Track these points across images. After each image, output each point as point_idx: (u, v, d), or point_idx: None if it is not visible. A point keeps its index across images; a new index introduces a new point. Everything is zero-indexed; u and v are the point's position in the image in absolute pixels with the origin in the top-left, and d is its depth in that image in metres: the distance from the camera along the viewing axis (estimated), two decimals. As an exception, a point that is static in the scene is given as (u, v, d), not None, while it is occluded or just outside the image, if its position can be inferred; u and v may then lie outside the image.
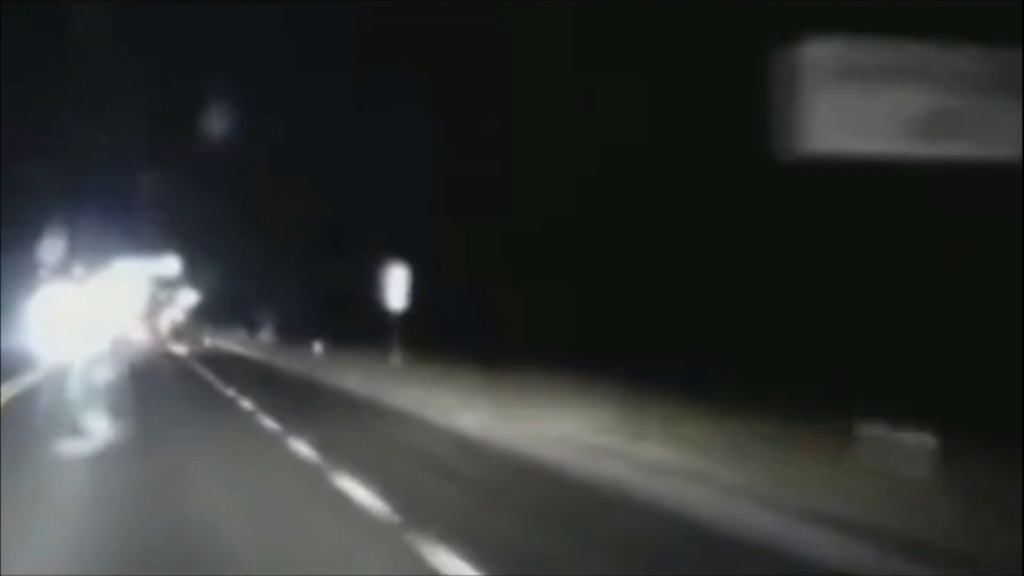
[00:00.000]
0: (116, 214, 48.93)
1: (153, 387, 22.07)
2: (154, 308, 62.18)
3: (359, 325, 30.97)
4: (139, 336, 52.79)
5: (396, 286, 21.39)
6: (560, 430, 12.14)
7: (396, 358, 21.54)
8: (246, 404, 16.84)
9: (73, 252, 44.30)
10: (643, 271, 21.68)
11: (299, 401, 18.51)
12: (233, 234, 50.21)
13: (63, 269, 43.10)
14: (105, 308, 47.20)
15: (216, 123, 33.93)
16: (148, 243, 54.58)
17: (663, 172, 20.77)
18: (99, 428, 12.74)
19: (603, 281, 23.01)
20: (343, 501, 8.00)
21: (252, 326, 47.55)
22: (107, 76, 35.36)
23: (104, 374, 22.74)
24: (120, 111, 38.10)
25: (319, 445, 10.94)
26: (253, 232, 48.38)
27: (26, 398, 18.15)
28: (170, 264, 57.12)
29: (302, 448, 10.93)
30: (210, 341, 54.88)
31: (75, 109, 37.42)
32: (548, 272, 24.80)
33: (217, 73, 34.46)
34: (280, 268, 45.09)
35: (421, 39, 28.31)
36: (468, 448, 11.58)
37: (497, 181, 26.61)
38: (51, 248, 41.10)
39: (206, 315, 64.82)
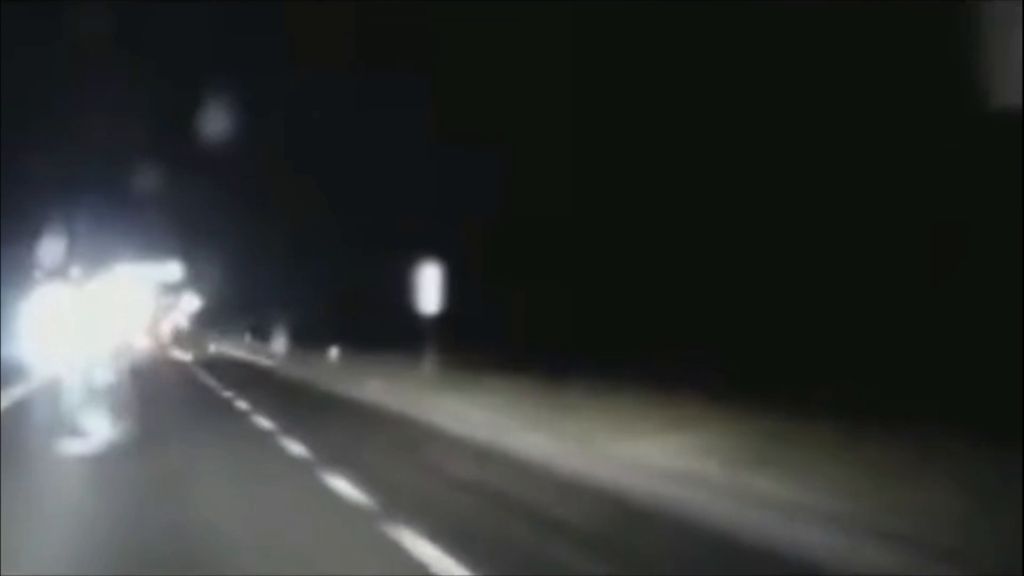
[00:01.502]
0: (115, 215, 47.66)
1: (158, 400, 19.84)
2: (156, 313, 60.54)
3: (378, 328, 29.35)
4: (141, 343, 51.10)
5: (428, 287, 18.87)
6: (650, 455, 9.93)
7: (429, 366, 19.02)
8: (264, 422, 14.57)
9: (71, 253, 42.91)
10: (676, 268, 20.35)
11: (327, 419, 16.12)
12: (237, 236, 48.84)
13: (60, 271, 41.36)
14: (105, 314, 45.68)
15: (218, 123, 32.75)
16: (149, 246, 53.32)
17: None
18: (98, 434, 12.34)
19: (638, 280, 21.70)
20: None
21: (263, 332, 44.68)
22: (107, 76, 34.64)
23: (102, 385, 20.97)
24: (120, 111, 37.18)
25: (366, 483, 8.69)
26: (259, 234, 47.06)
27: (13, 412, 16.08)
28: (172, 269, 56.10)
29: (346, 488, 8.67)
30: (215, 347, 53.01)
31: (74, 109, 36.82)
32: (585, 272, 23.52)
33: (217, 73, 33.58)
34: (290, 270, 43.14)
35: (421, 39, 28.13)
36: (558, 484, 9.17)
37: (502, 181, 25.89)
38: (48, 248, 39.93)
39: (211, 320, 63.01)
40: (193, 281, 59.80)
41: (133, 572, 5.94)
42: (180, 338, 58.92)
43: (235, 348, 51.06)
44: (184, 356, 44.41)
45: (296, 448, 11.39)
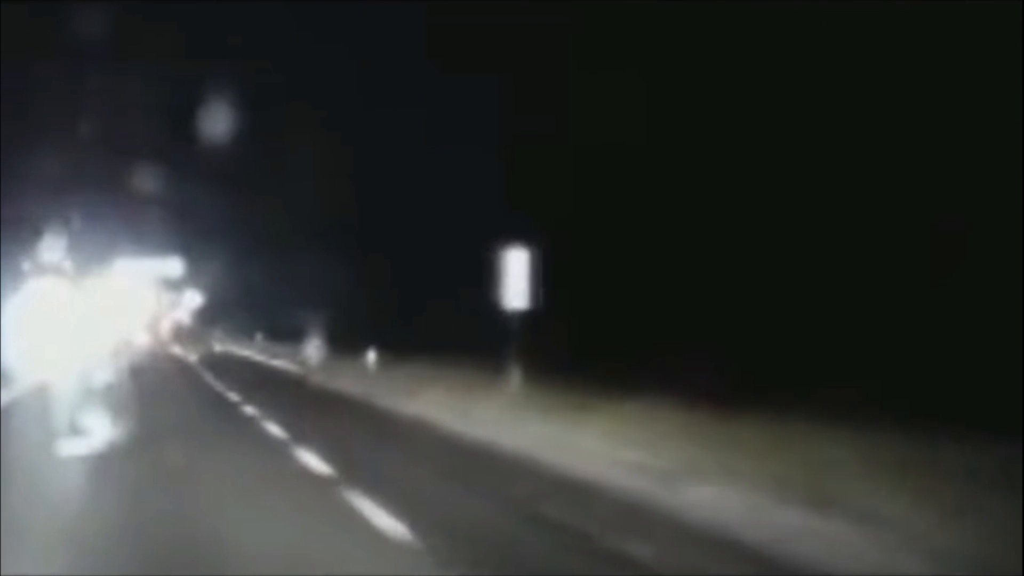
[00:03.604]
0: (115, 210, 47.10)
1: (161, 419, 15.96)
2: (157, 310, 59.59)
3: (410, 331, 26.06)
4: (140, 340, 49.75)
5: (515, 277, 14.52)
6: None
7: (515, 378, 14.58)
8: (315, 462, 10.56)
9: (70, 249, 42.79)
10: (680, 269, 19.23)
11: (414, 463, 11.42)
12: (242, 232, 48.23)
13: (54, 265, 38.97)
14: (104, 311, 43.65)
15: (221, 119, 31.96)
16: (149, 241, 52.70)
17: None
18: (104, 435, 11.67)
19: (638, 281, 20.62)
20: None
21: (284, 333, 40.01)
22: (109, 72, 34.79)
23: (100, 385, 19.34)
24: (120, 107, 37.44)
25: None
26: (267, 230, 45.92)
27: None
28: (173, 265, 55.44)
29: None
30: (221, 347, 50.03)
31: (74, 105, 36.89)
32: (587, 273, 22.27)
33: (219, 66, 33.55)
34: (301, 267, 39.92)
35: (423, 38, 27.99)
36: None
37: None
38: (46, 243, 39.86)
39: (213, 318, 61.13)
40: (195, 277, 58.54)
41: None
42: (182, 336, 56.49)
43: (244, 348, 47.97)
44: (188, 356, 41.43)
45: (384, 521, 7.30)
